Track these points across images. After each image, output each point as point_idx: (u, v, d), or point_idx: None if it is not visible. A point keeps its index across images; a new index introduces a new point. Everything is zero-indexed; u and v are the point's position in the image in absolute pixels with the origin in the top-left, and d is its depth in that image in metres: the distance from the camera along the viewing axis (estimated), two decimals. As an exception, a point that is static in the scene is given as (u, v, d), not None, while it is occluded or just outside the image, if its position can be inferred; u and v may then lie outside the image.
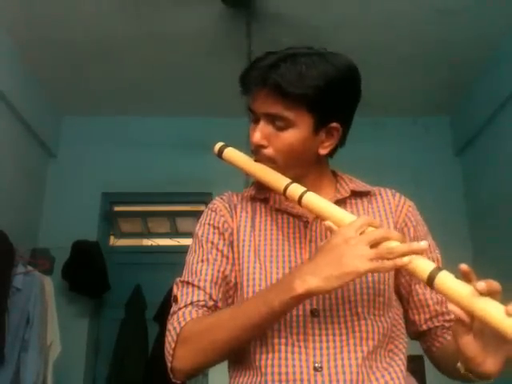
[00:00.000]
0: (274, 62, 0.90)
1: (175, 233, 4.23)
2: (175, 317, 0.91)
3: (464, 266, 0.72)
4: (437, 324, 0.98)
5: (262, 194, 1.03)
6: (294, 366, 0.86)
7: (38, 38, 3.17)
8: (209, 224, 1.01)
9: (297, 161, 0.96)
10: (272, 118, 0.93)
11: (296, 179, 0.94)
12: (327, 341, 0.88)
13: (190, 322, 0.89)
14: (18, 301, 2.74)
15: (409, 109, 3.94)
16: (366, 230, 0.81)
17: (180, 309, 0.92)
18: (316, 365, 0.86)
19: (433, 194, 3.54)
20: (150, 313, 3.45)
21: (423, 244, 0.78)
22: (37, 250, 3.33)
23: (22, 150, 3.48)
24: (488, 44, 3.21)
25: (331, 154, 1.01)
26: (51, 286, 3.03)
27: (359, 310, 0.90)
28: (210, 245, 0.98)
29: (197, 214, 4.06)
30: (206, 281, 0.94)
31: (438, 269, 0.75)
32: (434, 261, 0.98)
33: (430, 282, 0.75)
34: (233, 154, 1.02)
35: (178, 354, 0.88)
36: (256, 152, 0.97)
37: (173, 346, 0.88)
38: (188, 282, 0.95)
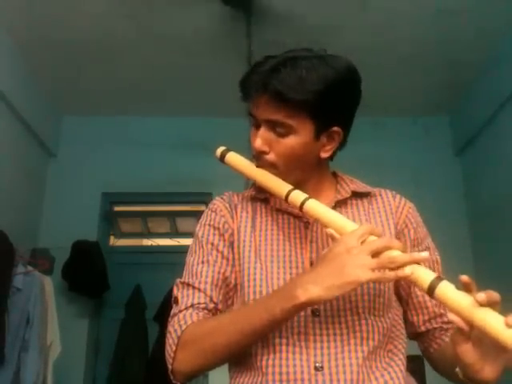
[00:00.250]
0: (274, 66, 0.90)
1: (175, 233, 4.23)
2: (176, 319, 0.91)
3: (464, 277, 0.73)
4: (435, 325, 0.98)
5: (262, 194, 1.03)
6: (294, 365, 0.87)
7: (38, 37, 3.17)
8: (209, 225, 1.01)
9: (298, 165, 0.96)
10: (273, 125, 0.93)
11: (297, 183, 0.94)
12: (328, 341, 0.88)
13: (191, 325, 0.89)
14: (18, 301, 2.74)
15: (409, 109, 3.94)
16: (368, 238, 0.81)
17: (181, 311, 0.92)
18: (317, 364, 0.86)
19: (433, 194, 3.54)
20: (150, 313, 3.45)
21: (424, 254, 0.79)
22: (37, 250, 3.33)
23: (22, 149, 3.48)
24: (488, 44, 3.21)
25: (332, 156, 1.01)
26: (51, 286, 3.03)
27: (360, 310, 0.90)
28: (210, 246, 0.98)
29: (197, 214, 4.06)
30: (206, 283, 0.94)
31: (439, 279, 0.76)
32: (433, 262, 0.99)
33: (430, 291, 0.76)
34: (235, 158, 1.02)
35: (179, 357, 0.88)
36: (257, 158, 0.97)
37: (174, 348, 0.88)
38: (188, 284, 0.95)
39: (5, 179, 3.20)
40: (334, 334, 0.88)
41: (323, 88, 0.89)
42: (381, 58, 3.33)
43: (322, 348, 0.87)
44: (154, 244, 4.27)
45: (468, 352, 0.75)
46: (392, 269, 0.78)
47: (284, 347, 0.88)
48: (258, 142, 0.94)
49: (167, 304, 3.43)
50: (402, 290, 1.00)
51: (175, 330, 0.90)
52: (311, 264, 0.93)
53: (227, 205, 1.04)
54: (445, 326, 0.97)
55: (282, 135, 0.92)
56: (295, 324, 0.89)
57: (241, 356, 0.93)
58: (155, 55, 3.37)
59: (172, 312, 0.94)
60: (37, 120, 3.60)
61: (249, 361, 0.92)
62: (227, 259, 0.97)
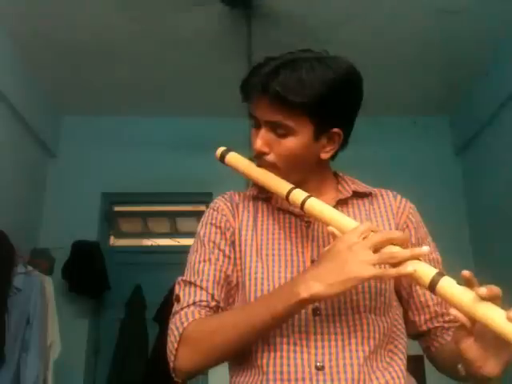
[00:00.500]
0: (274, 68, 0.90)
1: (175, 233, 4.23)
2: (177, 317, 0.91)
3: (466, 272, 0.73)
4: (436, 325, 0.98)
5: (264, 193, 1.03)
6: (295, 365, 0.87)
7: (37, 38, 3.17)
8: (211, 224, 1.02)
9: (299, 166, 0.96)
10: (273, 126, 0.93)
11: (298, 183, 0.95)
12: (329, 340, 0.88)
13: (193, 323, 0.89)
14: (19, 301, 2.74)
15: (409, 109, 3.94)
16: (369, 235, 0.81)
17: (182, 309, 0.92)
18: (318, 364, 0.86)
19: (433, 194, 3.54)
20: (150, 313, 3.45)
21: (425, 249, 0.79)
22: (37, 250, 3.33)
23: (22, 150, 3.49)
24: (488, 44, 3.21)
25: (333, 156, 1.01)
26: (51, 286, 3.03)
27: (361, 309, 0.90)
28: (212, 244, 0.99)
29: (197, 214, 4.07)
30: (208, 281, 0.94)
31: (440, 274, 0.76)
32: (434, 262, 0.99)
33: (431, 287, 0.76)
34: (235, 159, 1.02)
35: (180, 354, 0.88)
36: (258, 158, 0.97)
37: (175, 345, 0.89)
38: (190, 282, 0.95)
39: (5, 179, 3.20)
40: (335, 333, 0.88)
41: (323, 90, 0.89)
42: (381, 57, 3.33)
43: (323, 347, 0.87)
44: (154, 244, 4.27)
45: (470, 347, 0.75)
46: (393, 264, 0.78)
47: (285, 346, 0.88)
48: (259, 143, 0.95)
49: (167, 304, 3.44)
50: (403, 290, 1.00)
51: (177, 328, 0.90)
52: (312, 263, 0.93)
53: (229, 204, 1.04)
54: (446, 325, 0.97)
55: (282, 136, 0.93)
56: (296, 323, 0.89)
57: (241, 355, 0.93)
58: (155, 55, 3.37)
59: (173, 310, 0.94)
60: (37, 120, 3.60)
61: (249, 360, 0.92)
62: (229, 258, 0.97)
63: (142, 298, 3.59)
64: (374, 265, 0.78)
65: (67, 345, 3.01)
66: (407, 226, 1.01)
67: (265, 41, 2.96)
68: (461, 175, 3.95)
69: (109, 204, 4.00)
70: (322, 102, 0.89)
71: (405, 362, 0.93)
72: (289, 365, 0.87)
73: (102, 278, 3.52)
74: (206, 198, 3.79)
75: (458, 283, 0.75)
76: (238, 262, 0.97)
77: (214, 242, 0.99)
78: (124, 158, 3.91)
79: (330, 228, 0.86)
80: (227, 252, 0.98)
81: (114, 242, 4.10)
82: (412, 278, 0.79)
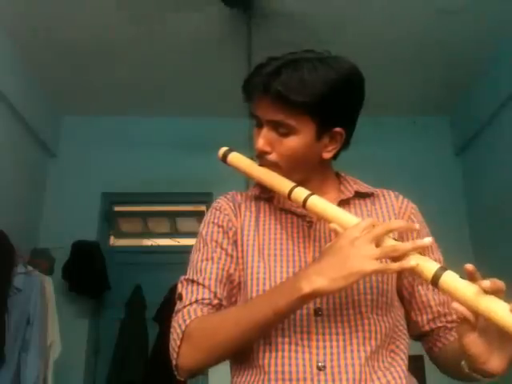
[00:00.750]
0: (276, 68, 0.91)
1: (175, 233, 4.23)
2: (180, 314, 0.92)
3: (469, 266, 0.73)
4: (439, 325, 0.98)
5: (266, 193, 1.04)
6: (297, 365, 0.87)
7: (38, 38, 3.17)
8: (213, 223, 1.02)
9: (301, 165, 0.96)
10: (275, 125, 0.93)
11: (300, 183, 0.95)
12: (330, 340, 0.88)
13: (195, 320, 0.89)
14: (19, 301, 2.74)
15: (409, 109, 3.94)
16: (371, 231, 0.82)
17: (185, 306, 0.92)
18: (319, 364, 0.86)
19: (433, 194, 3.54)
20: (150, 313, 3.45)
21: (426, 240, 0.80)
22: (37, 250, 3.33)
23: (22, 150, 3.49)
24: (488, 44, 3.21)
25: (335, 156, 1.01)
26: (51, 286, 3.03)
27: (363, 309, 0.90)
28: (214, 243, 0.99)
29: (197, 214, 4.07)
30: (210, 279, 0.94)
31: (443, 269, 0.76)
32: (436, 261, 0.99)
33: (434, 282, 0.76)
34: (237, 158, 1.03)
35: (183, 352, 0.88)
36: (260, 158, 0.98)
37: (178, 343, 0.89)
38: (193, 280, 0.95)
39: (5, 179, 3.20)
40: (337, 334, 0.88)
41: (324, 90, 0.89)
42: (380, 58, 3.33)
43: (324, 347, 0.87)
44: (154, 244, 4.27)
45: (474, 343, 0.75)
46: (396, 258, 0.78)
47: (286, 346, 0.88)
48: (261, 142, 0.95)
49: (167, 304, 3.44)
50: (405, 290, 1.01)
51: (179, 325, 0.90)
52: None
53: (231, 204, 1.04)
54: (449, 325, 0.97)
55: (284, 135, 0.93)
56: (298, 323, 0.89)
57: (243, 354, 0.93)
58: (155, 55, 3.37)
59: (176, 308, 0.94)
60: (37, 120, 3.60)
61: (250, 360, 0.92)
62: (231, 256, 0.98)
63: (142, 298, 3.59)
64: (377, 259, 0.78)
65: (67, 345, 3.01)
66: None
67: (265, 41, 2.96)
68: (461, 175, 3.95)
69: (109, 204, 4.00)
70: (324, 102, 0.89)
71: (406, 362, 0.93)
72: (290, 365, 0.87)
73: (102, 278, 3.52)
74: (206, 198, 3.79)
75: (461, 277, 0.75)
76: (240, 261, 0.97)
77: (216, 241, 0.99)
78: (124, 157, 3.91)
79: (332, 225, 0.86)
80: (229, 251, 0.98)
81: (114, 241, 4.10)
82: (415, 273, 0.79)
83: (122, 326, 3.51)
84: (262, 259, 0.95)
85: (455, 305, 0.73)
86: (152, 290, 3.52)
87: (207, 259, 0.97)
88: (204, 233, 1.02)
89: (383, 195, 1.05)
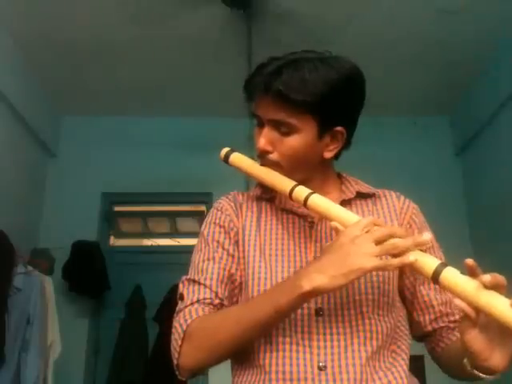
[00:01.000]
0: (277, 68, 0.91)
1: (175, 233, 4.23)
2: (181, 314, 0.92)
3: (469, 261, 0.73)
4: (442, 325, 0.98)
5: (267, 193, 1.04)
6: (298, 364, 0.87)
7: (38, 38, 3.17)
8: (214, 223, 1.02)
9: (302, 165, 0.96)
10: (276, 124, 0.93)
11: (301, 182, 0.95)
12: (331, 340, 0.88)
13: (197, 320, 0.89)
14: (19, 301, 2.74)
15: (409, 109, 3.94)
16: (372, 229, 0.82)
17: (186, 306, 0.92)
18: (320, 364, 0.86)
19: (433, 194, 3.53)
20: (150, 313, 3.45)
21: (426, 236, 0.80)
22: (37, 250, 3.33)
23: (22, 149, 3.49)
24: (488, 44, 3.21)
25: (336, 156, 1.01)
26: (51, 286, 3.03)
27: (364, 309, 0.90)
28: (215, 243, 0.99)
29: (197, 214, 4.07)
30: (212, 279, 0.94)
31: (443, 265, 0.76)
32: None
33: (435, 278, 0.75)
34: (238, 159, 1.03)
35: (184, 351, 0.88)
36: (261, 157, 0.98)
37: (179, 342, 0.89)
38: (194, 280, 0.95)
39: (5, 179, 3.20)
40: (338, 334, 0.88)
41: (325, 89, 0.89)
42: (381, 57, 3.33)
43: (325, 347, 0.87)
44: (154, 244, 4.27)
45: (475, 339, 0.74)
46: (396, 255, 0.78)
47: (287, 346, 0.88)
48: (262, 142, 0.95)
49: (167, 304, 3.44)
50: (407, 290, 1.01)
51: (181, 325, 0.90)
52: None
53: (232, 204, 1.05)
54: (451, 325, 0.97)
55: (285, 134, 0.93)
56: (299, 323, 0.89)
57: (244, 354, 0.93)
58: (155, 55, 3.37)
59: (177, 308, 0.94)
60: (37, 120, 3.60)
61: (251, 359, 0.92)
62: (232, 256, 0.98)
63: (142, 298, 3.59)
64: (377, 256, 0.78)
65: (67, 345, 3.01)
66: (410, 226, 1.01)
67: (265, 41, 2.96)
68: (461, 175, 3.95)
69: (109, 204, 4.00)
70: (325, 101, 0.90)
71: (407, 362, 0.93)
72: (291, 364, 0.87)
73: (102, 277, 3.52)
74: (206, 198, 3.79)
75: (462, 273, 0.75)
76: (242, 261, 0.97)
77: (217, 241, 0.99)
78: (124, 157, 3.91)
79: (333, 223, 0.86)
80: (231, 251, 0.98)
81: (114, 241, 4.09)
82: (415, 270, 0.79)
83: (122, 326, 3.51)
84: (263, 259, 0.95)
85: (456, 301, 0.73)
86: (152, 290, 3.52)
87: (208, 259, 0.97)
88: (205, 233, 1.02)
89: (384, 195, 1.05)
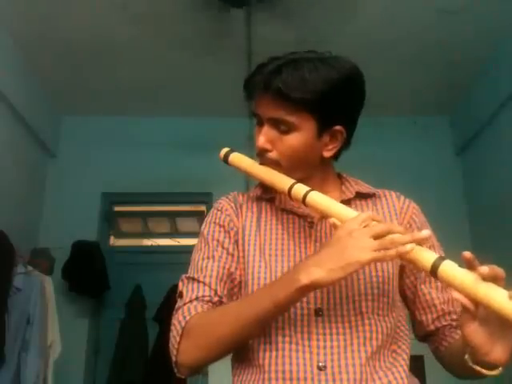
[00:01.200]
0: (277, 67, 0.92)
1: (175, 233, 4.23)
2: (180, 311, 0.92)
3: (467, 253, 0.73)
4: (444, 323, 0.98)
5: (267, 193, 1.04)
6: (297, 364, 0.87)
7: (38, 37, 3.17)
8: (214, 223, 1.02)
9: (301, 163, 0.97)
10: (275, 122, 0.94)
11: (301, 181, 0.95)
12: (331, 340, 0.88)
13: (195, 316, 0.89)
14: (19, 301, 2.74)
15: (409, 109, 3.94)
16: (370, 224, 0.82)
17: (185, 304, 0.92)
18: (320, 364, 0.86)
19: (433, 194, 3.54)
20: (150, 313, 3.45)
21: (425, 232, 0.80)
22: (37, 250, 3.33)
23: (22, 150, 3.49)
24: (488, 44, 3.21)
25: (336, 156, 1.01)
26: (51, 286, 3.03)
27: (363, 309, 0.90)
28: (215, 242, 0.99)
29: (197, 214, 4.07)
30: (211, 277, 0.94)
31: (442, 258, 0.76)
32: None
33: (433, 271, 0.75)
34: (238, 158, 1.03)
35: (183, 348, 0.88)
36: (261, 155, 0.98)
37: (178, 339, 0.89)
38: (193, 278, 0.95)
39: (5, 179, 3.20)
40: (337, 334, 0.88)
41: (325, 87, 0.90)
42: (381, 57, 3.33)
43: (325, 347, 0.87)
44: (154, 244, 4.27)
45: (475, 333, 0.74)
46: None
47: (287, 346, 0.88)
48: (261, 140, 0.96)
49: (167, 304, 3.44)
50: (408, 290, 1.01)
51: (179, 322, 0.90)
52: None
53: (232, 204, 1.05)
54: (454, 324, 0.97)
55: (285, 132, 0.93)
56: (298, 323, 0.89)
57: (243, 354, 0.93)
58: (155, 55, 3.37)
59: (176, 306, 0.94)
60: (37, 120, 3.60)
61: (251, 359, 0.92)
62: (232, 256, 0.98)
63: (142, 298, 3.59)
64: (374, 250, 0.78)
65: (67, 345, 3.01)
66: (410, 226, 1.01)
67: (265, 41, 2.96)
68: (461, 175, 3.95)
69: (109, 204, 4.00)
70: (324, 99, 0.90)
71: (408, 362, 0.93)
72: (291, 364, 0.87)
73: (102, 277, 3.52)
74: (206, 198, 3.79)
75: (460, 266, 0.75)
76: (241, 260, 0.98)
77: (217, 241, 0.99)
78: (124, 157, 3.91)
79: (332, 219, 0.86)
80: (231, 250, 0.98)
81: (114, 242, 4.10)
82: (414, 263, 0.79)
83: (122, 326, 3.51)
84: (263, 259, 0.95)
85: (455, 294, 0.73)
86: (152, 290, 3.52)
87: (208, 258, 0.97)
88: (205, 232, 1.02)
89: (385, 196, 1.05)
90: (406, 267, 1.00)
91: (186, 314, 0.90)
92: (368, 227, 0.80)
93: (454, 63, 3.41)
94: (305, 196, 0.91)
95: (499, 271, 0.71)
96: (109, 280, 3.54)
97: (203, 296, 0.92)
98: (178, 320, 0.90)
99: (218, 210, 1.04)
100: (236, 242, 1.00)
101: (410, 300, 1.01)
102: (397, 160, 3.84)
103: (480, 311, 0.73)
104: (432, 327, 0.99)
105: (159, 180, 3.83)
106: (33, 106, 3.55)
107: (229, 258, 0.97)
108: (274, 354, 0.89)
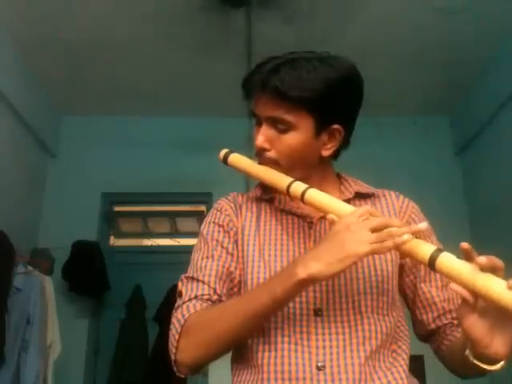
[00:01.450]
0: (275, 66, 0.92)
1: (175, 233, 4.23)
2: (179, 310, 0.92)
3: (464, 244, 0.72)
4: (445, 322, 0.98)
5: (267, 194, 1.04)
6: (296, 364, 0.87)
7: (38, 37, 3.17)
8: (214, 222, 1.02)
9: (300, 163, 0.97)
10: (274, 121, 0.94)
11: (300, 181, 0.95)
12: (330, 340, 0.88)
13: (194, 314, 0.89)
14: (19, 301, 2.74)
15: (409, 109, 3.94)
16: (368, 218, 0.82)
17: (184, 302, 0.92)
18: (319, 364, 0.86)
19: (433, 194, 3.53)
20: (150, 313, 3.45)
21: (422, 225, 0.80)
22: (37, 250, 3.33)
23: (22, 149, 3.49)
24: (488, 44, 3.21)
25: (335, 155, 1.01)
26: (51, 286, 3.03)
27: (363, 309, 0.90)
28: (214, 242, 0.99)
29: (197, 214, 4.07)
30: (210, 275, 0.94)
31: (439, 250, 0.76)
32: None
33: (431, 263, 0.75)
34: (237, 159, 1.04)
35: (182, 346, 0.88)
36: (259, 155, 0.98)
37: (177, 337, 0.89)
38: (193, 278, 0.96)
39: (5, 179, 3.20)
40: (337, 334, 0.88)
41: (322, 87, 0.90)
42: (381, 57, 3.33)
43: (324, 347, 0.87)
44: (154, 244, 4.27)
45: (475, 325, 0.74)
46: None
47: (286, 345, 0.88)
48: (260, 139, 0.96)
49: (167, 304, 3.44)
50: (407, 289, 1.01)
51: (178, 320, 0.90)
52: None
53: (232, 205, 1.05)
54: (455, 322, 0.96)
55: (283, 131, 0.94)
56: (297, 323, 0.89)
57: (242, 354, 0.93)
58: (155, 55, 3.37)
59: (176, 305, 0.94)
60: (37, 120, 3.60)
61: (250, 358, 0.92)
62: (232, 255, 0.98)
63: (142, 298, 3.59)
64: (372, 243, 0.78)
65: (67, 345, 3.01)
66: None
67: (265, 41, 2.96)
68: (461, 175, 3.95)
69: (109, 204, 4.00)
70: (322, 98, 0.90)
71: (407, 362, 0.93)
72: (290, 364, 0.87)
73: (102, 277, 3.52)
74: (206, 198, 3.79)
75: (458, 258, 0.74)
76: (241, 260, 0.98)
77: (217, 240, 0.99)
78: (124, 157, 3.91)
79: (330, 216, 0.86)
80: (230, 249, 0.98)
81: (114, 242, 4.09)
82: (411, 256, 0.79)
83: (122, 326, 3.51)
84: (262, 259, 0.95)
85: (453, 286, 0.73)
86: (152, 290, 3.52)
87: (207, 257, 0.97)
88: (205, 232, 1.02)
89: (384, 195, 1.05)
90: (406, 266, 1.00)
91: (185, 312, 0.90)
92: (366, 220, 0.81)
93: (454, 63, 3.41)
94: (303, 193, 0.91)
95: (497, 261, 0.70)
96: (109, 280, 3.54)
97: (202, 295, 0.92)
98: (177, 319, 0.90)
99: (218, 211, 1.04)
100: (235, 241, 1.00)
101: (410, 299, 1.01)
102: (397, 160, 3.85)
103: (479, 303, 0.73)
104: (433, 326, 0.98)
105: (159, 180, 3.83)
106: (33, 106, 3.55)
107: (228, 257, 0.97)
108: (273, 354, 0.89)
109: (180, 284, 0.97)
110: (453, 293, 0.98)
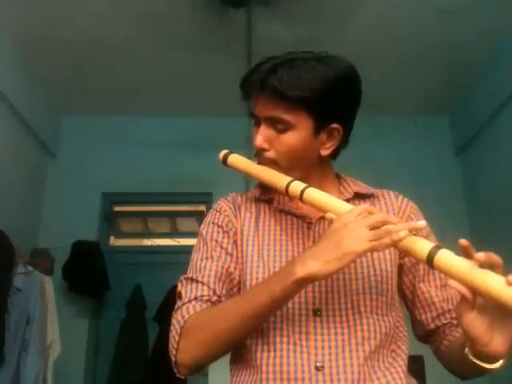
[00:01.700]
0: (273, 66, 0.92)
1: (175, 233, 4.23)
2: (179, 312, 0.92)
3: (463, 241, 0.72)
4: (444, 322, 0.97)
5: (266, 194, 1.04)
6: (295, 364, 0.87)
7: (38, 38, 3.17)
8: (213, 223, 1.02)
9: (299, 162, 0.97)
10: (272, 121, 0.94)
11: (299, 180, 0.95)
12: (329, 340, 0.88)
13: (194, 315, 0.89)
14: (18, 301, 2.74)
15: (409, 109, 3.94)
16: (366, 216, 0.82)
17: (184, 304, 0.92)
18: (317, 364, 0.86)
19: (433, 194, 3.53)
20: (150, 313, 3.45)
21: (420, 223, 0.80)
22: (37, 250, 3.33)
23: (22, 149, 3.49)
24: (488, 44, 3.21)
25: (334, 155, 1.02)
26: (51, 286, 3.03)
27: (362, 309, 0.90)
28: (214, 243, 0.99)
29: (197, 214, 4.07)
30: (209, 276, 0.94)
31: (438, 247, 0.76)
32: None
33: (429, 260, 0.75)
34: (237, 159, 1.04)
35: (182, 347, 0.88)
36: (258, 155, 0.98)
37: (177, 339, 0.89)
38: (192, 279, 0.96)
39: (5, 179, 3.20)
40: (336, 334, 0.88)
41: (321, 86, 0.90)
42: (381, 57, 3.33)
43: (323, 348, 0.87)
44: (154, 244, 4.27)
45: (474, 322, 0.73)
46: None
47: (285, 346, 0.88)
48: (259, 139, 0.96)
49: (167, 304, 3.44)
50: (406, 289, 1.00)
51: (178, 321, 0.90)
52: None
53: (231, 205, 1.05)
54: (454, 322, 0.96)
55: (282, 131, 0.94)
56: (296, 323, 0.89)
57: (241, 354, 0.93)
58: (155, 55, 3.37)
59: (176, 306, 0.94)
60: (37, 120, 3.60)
61: (249, 359, 0.92)
62: (231, 255, 0.98)
63: (142, 298, 3.59)
64: (370, 241, 0.78)
65: (67, 345, 3.01)
66: None
67: (265, 41, 2.96)
68: (461, 175, 3.95)
69: (109, 204, 4.00)
70: (320, 97, 0.90)
71: (406, 363, 0.93)
72: (288, 364, 0.87)
73: (102, 277, 3.52)
74: (205, 198, 3.79)
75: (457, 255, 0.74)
76: (240, 261, 0.98)
77: (216, 241, 0.99)
78: (124, 158, 3.91)
79: (329, 214, 0.86)
80: (230, 250, 0.98)
81: (114, 242, 4.09)
82: (410, 253, 0.79)
83: (122, 326, 3.51)
84: (261, 259, 0.95)
85: (452, 282, 0.72)
86: (152, 290, 3.52)
87: (207, 258, 0.98)
88: (204, 233, 1.02)
89: (383, 195, 1.05)
90: (405, 266, 1.00)
91: (184, 313, 0.90)
92: (364, 218, 0.80)
93: (454, 63, 3.41)
94: (302, 192, 0.91)
95: (496, 258, 0.70)
96: (109, 280, 3.54)
97: (202, 296, 0.92)
98: (177, 320, 0.91)
99: (217, 211, 1.04)
100: (235, 242, 1.00)
101: (409, 299, 1.01)
102: (397, 160, 3.85)
103: (478, 300, 0.72)
104: (432, 326, 0.98)
105: (159, 180, 3.84)
106: (33, 106, 3.55)
107: (228, 257, 0.98)
108: (271, 354, 0.89)
109: (179, 285, 0.97)
110: (452, 292, 0.98)
